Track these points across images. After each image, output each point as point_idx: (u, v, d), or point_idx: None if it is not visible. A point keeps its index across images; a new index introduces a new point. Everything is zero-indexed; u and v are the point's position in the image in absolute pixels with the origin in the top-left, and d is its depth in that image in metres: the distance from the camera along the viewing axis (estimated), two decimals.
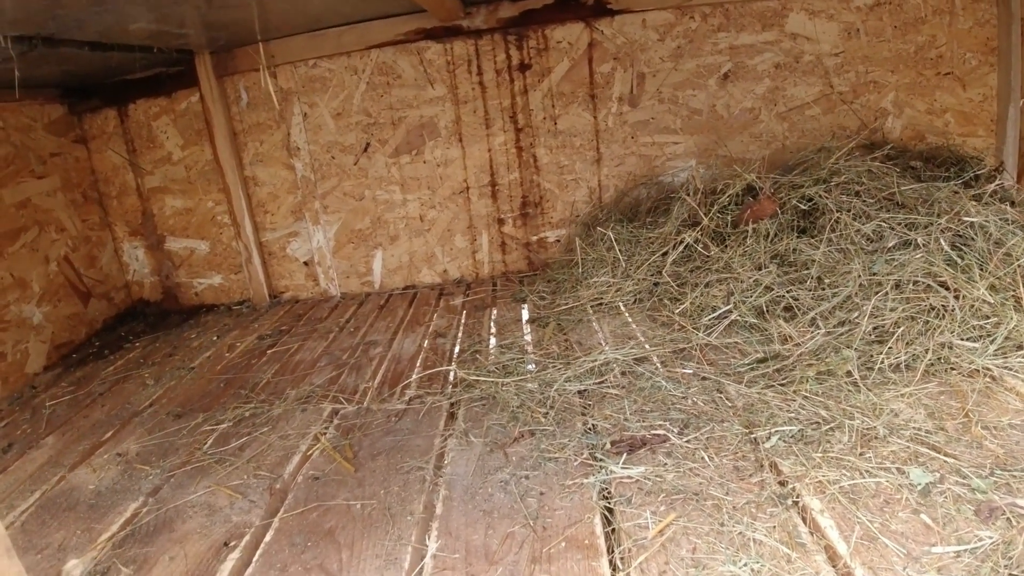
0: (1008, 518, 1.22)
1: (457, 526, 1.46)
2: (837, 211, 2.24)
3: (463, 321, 2.82)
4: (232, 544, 1.53)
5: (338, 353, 2.65)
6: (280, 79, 3.19)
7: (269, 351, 2.78)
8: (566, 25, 3.08)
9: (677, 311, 2.29)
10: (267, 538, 1.54)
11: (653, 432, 1.68)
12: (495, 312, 2.87)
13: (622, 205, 3.17)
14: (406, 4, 2.77)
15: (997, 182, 2.50)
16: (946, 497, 1.31)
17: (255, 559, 1.47)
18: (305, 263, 3.48)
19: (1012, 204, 2.48)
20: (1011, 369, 1.75)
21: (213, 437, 2.07)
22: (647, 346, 2.20)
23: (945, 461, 1.42)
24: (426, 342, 2.63)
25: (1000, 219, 2.09)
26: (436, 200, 3.32)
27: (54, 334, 3.06)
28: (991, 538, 1.17)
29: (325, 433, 1.98)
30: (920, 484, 1.36)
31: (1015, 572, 1.09)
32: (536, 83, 3.15)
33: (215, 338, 3.06)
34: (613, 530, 1.38)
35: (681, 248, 2.43)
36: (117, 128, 3.35)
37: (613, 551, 1.31)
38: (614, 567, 1.26)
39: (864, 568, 1.16)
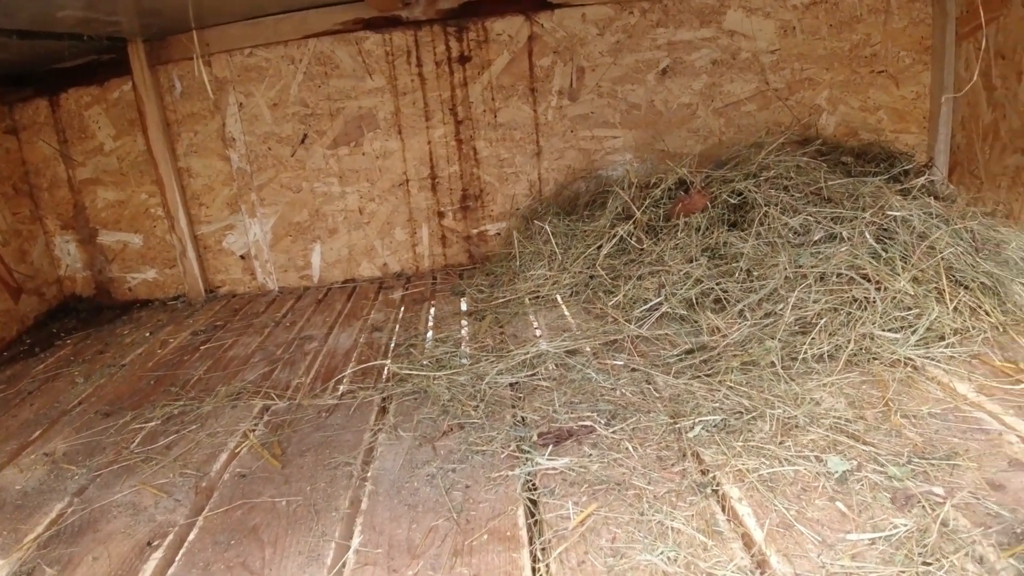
0: (924, 506, 1.27)
1: (381, 521, 1.47)
2: (765, 205, 2.31)
3: (401, 315, 2.82)
4: (155, 543, 1.52)
5: (272, 348, 2.62)
6: (215, 68, 3.13)
7: (202, 347, 2.73)
8: (506, 18, 3.09)
9: (611, 303, 2.33)
10: (191, 537, 1.52)
11: (580, 423, 1.72)
12: (433, 306, 2.88)
13: (561, 198, 3.21)
14: None
15: (926, 177, 2.60)
16: (863, 485, 1.36)
17: (178, 558, 1.45)
18: (242, 257, 3.42)
19: (940, 199, 2.59)
20: (933, 359, 1.83)
21: (141, 435, 2.03)
22: (581, 338, 2.24)
23: (864, 449, 1.47)
24: (362, 336, 2.63)
25: (924, 213, 2.18)
26: (375, 193, 3.31)
27: None
28: (906, 526, 1.21)
29: (254, 430, 1.97)
30: (837, 472, 1.40)
31: (928, 560, 1.13)
32: (476, 75, 3.16)
33: (148, 334, 3.00)
34: (536, 521, 1.40)
35: (615, 242, 2.48)
36: (48, 118, 3.25)
37: (535, 542, 1.34)
38: (535, 558, 1.29)
39: (779, 555, 1.20)
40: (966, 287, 1.98)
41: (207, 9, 2.73)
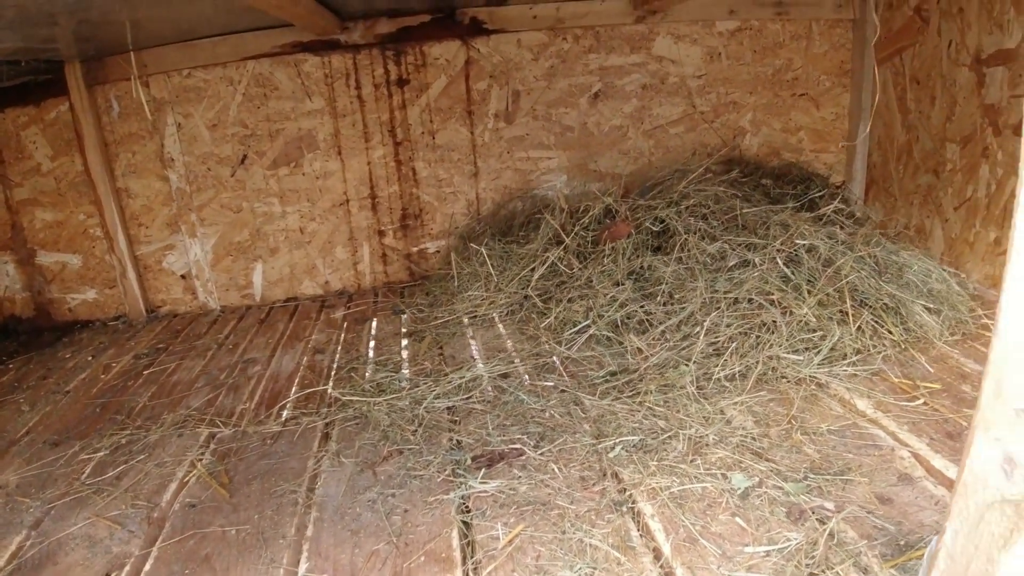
0: (818, 519, 1.47)
1: (326, 546, 1.61)
2: (685, 233, 2.52)
3: (343, 336, 2.94)
4: (113, 575, 1.63)
5: (216, 372, 2.72)
6: (153, 89, 3.18)
7: (145, 372, 2.80)
8: (443, 43, 3.23)
9: (543, 325, 2.52)
10: (146, 568, 1.63)
11: (511, 446, 1.89)
12: (375, 325, 3.01)
13: (499, 217, 3.38)
14: (279, 19, 2.83)
15: (838, 200, 2.84)
16: (763, 500, 1.56)
17: None
18: (183, 276, 3.49)
19: (854, 219, 2.84)
20: (836, 377, 2.06)
21: (91, 466, 2.11)
22: (515, 359, 2.41)
23: (766, 466, 1.67)
24: (305, 359, 2.74)
25: (830, 240, 2.42)
26: (316, 212, 3.41)
27: None
28: (797, 539, 1.41)
29: (201, 459, 2.07)
30: (740, 488, 1.60)
31: (815, 571, 1.31)
32: (414, 98, 3.29)
33: (90, 358, 3.05)
34: (469, 542, 1.57)
35: (546, 266, 2.66)
36: None
37: (467, 562, 1.51)
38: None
39: (684, 568, 1.39)
40: (870, 307, 2.23)
41: (144, 31, 2.78)
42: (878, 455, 1.70)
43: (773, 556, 1.39)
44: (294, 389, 2.47)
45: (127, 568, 1.63)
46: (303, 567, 1.55)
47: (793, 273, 2.31)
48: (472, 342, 2.65)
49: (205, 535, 1.72)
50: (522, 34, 3.26)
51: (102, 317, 3.52)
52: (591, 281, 2.54)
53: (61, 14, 2.19)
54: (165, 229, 3.39)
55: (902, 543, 1.38)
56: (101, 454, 2.18)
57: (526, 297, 2.70)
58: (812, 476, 1.62)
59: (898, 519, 1.46)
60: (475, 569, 1.47)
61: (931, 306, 2.24)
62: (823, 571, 1.32)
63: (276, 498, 1.83)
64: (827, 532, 1.40)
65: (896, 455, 1.70)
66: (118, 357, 3.01)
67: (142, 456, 2.14)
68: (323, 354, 2.77)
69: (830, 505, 1.52)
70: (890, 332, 2.16)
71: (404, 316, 3.02)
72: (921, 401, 1.92)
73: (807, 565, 1.33)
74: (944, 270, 2.40)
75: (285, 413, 2.30)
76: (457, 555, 1.52)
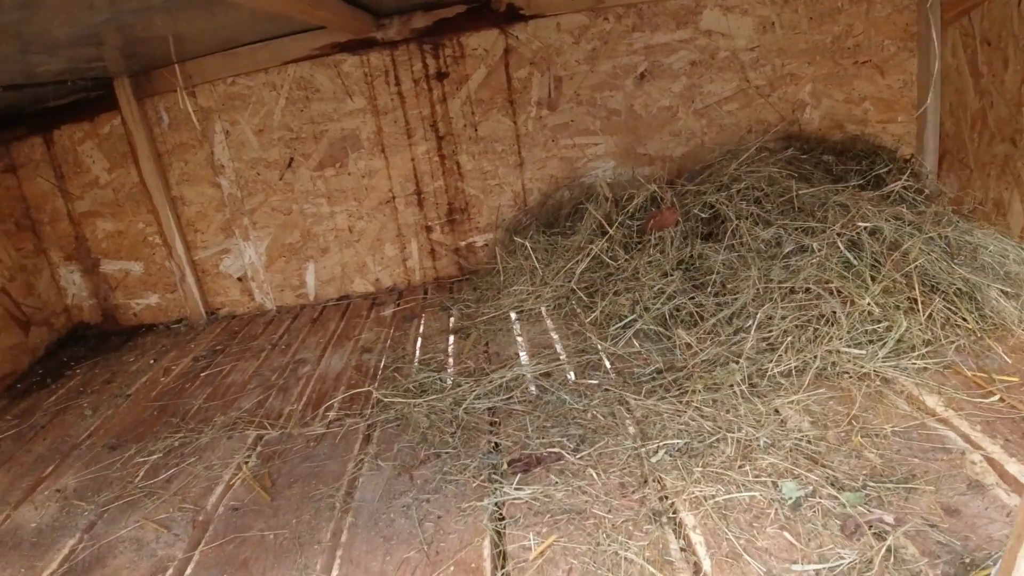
0: (876, 533, 1.33)
1: (359, 553, 1.59)
2: (736, 219, 2.38)
3: (391, 334, 2.94)
4: None
5: (268, 374, 2.76)
6: (200, 98, 3.24)
7: (202, 374, 2.88)
8: (480, 32, 3.17)
9: (588, 320, 2.43)
10: (188, 571, 1.66)
11: (549, 450, 1.83)
12: (422, 323, 3.00)
13: (546, 208, 3.30)
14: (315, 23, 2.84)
15: (907, 175, 2.63)
16: (815, 512, 1.43)
17: None
18: (239, 279, 3.56)
19: (925, 195, 2.63)
20: (904, 371, 1.88)
21: (144, 469, 2.17)
22: (561, 356, 2.35)
23: (821, 473, 1.53)
24: (353, 358, 2.75)
25: (896, 221, 2.22)
26: (363, 211, 3.42)
27: None
28: (851, 557, 1.29)
29: (247, 462, 2.10)
30: (791, 498, 1.48)
31: None
32: (454, 91, 3.24)
33: (152, 361, 3.15)
34: (500, 552, 1.52)
35: (589, 259, 2.57)
36: (44, 155, 3.39)
37: (497, 573, 1.46)
38: None
39: None
40: (942, 293, 2.03)
41: (187, 43, 2.84)
42: (947, 459, 1.54)
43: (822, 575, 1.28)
44: (340, 390, 2.48)
45: (170, 571, 1.66)
46: (335, 574, 1.54)
47: (855, 259, 2.14)
48: (518, 338, 2.60)
49: (245, 539, 1.73)
50: (561, 17, 3.16)
51: (165, 320, 3.64)
52: (637, 273, 2.44)
53: (107, 32, 2.24)
54: (220, 234, 3.47)
55: (967, 560, 1.24)
56: (155, 457, 2.24)
57: (572, 291, 2.62)
58: (872, 484, 1.48)
59: (965, 533, 1.31)
60: None
61: (1009, 290, 2.02)
62: None
63: (315, 502, 1.83)
64: (884, 549, 1.27)
65: (967, 459, 1.53)
66: (178, 360, 3.10)
67: (192, 459, 2.18)
68: (371, 353, 2.77)
69: (889, 518, 1.38)
70: (964, 320, 1.97)
71: (451, 312, 2.99)
72: (997, 397, 1.73)
73: None
74: (1022, 248, 2.17)
75: (331, 414, 2.31)
76: (487, 565, 1.48)
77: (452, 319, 2.93)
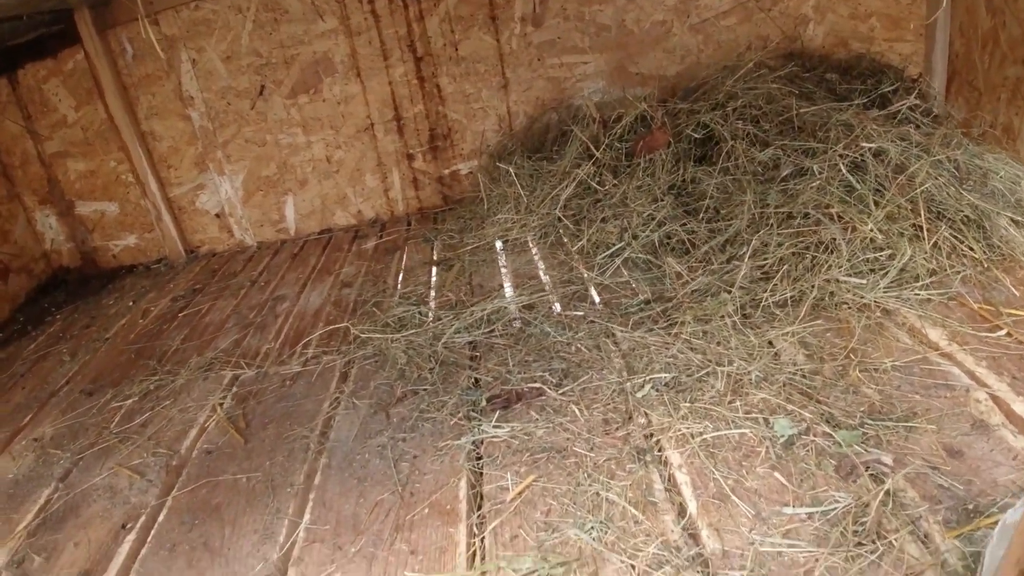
0: (874, 475, 1.25)
1: (332, 496, 1.53)
2: (732, 139, 2.23)
3: (372, 267, 2.83)
4: (128, 526, 1.61)
5: (246, 312, 2.67)
6: (163, 26, 3.04)
7: (180, 314, 2.79)
8: None
9: (574, 249, 2.32)
10: (160, 518, 1.61)
11: (530, 386, 1.74)
12: (405, 255, 2.89)
13: (532, 132, 3.14)
14: None
15: (914, 95, 2.45)
16: (809, 451, 1.34)
17: (148, 540, 1.55)
18: (216, 215, 3.44)
19: (933, 117, 2.45)
20: (907, 302, 1.76)
21: (119, 414, 2.12)
22: (546, 287, 2.24)
23: (816, 409, 1.44)
24: (332, 294, 2.65)
25: (902, 142, 2.06)
26: (341, 140, 3.26)
27: None
28: (846, 500, 1.20)
29: (222, 403, 2.03)
30: (783, 436, 1.39)
31: (863, 541, 1.11)
32: (432, 8, 3.03)
33: (131, 304, 3.06)
34: (477, 493, 1.45)
35: (575, 185, 2.43)
36: (10, 96, 3.22)
37: (472, 515, 1.39)
38: (470, 532, 1.35)
39: (709, 529, 1.22)
40: (949, 220, 1.88)
41: None
42: (950, 397, 1.44)
43: (816, 519, 1.19)
44: (318, 327, 2.39)
45: (142, 519, 1.62)
46: (307, 518, 1.48)
47: (858, 182, 1.98)
48: (502, 269, 2.49)
49: (218, 483, 1.68)
50: None
51: (145, 261, 3.54)
52: (626, 198, 2.30)
53: None
54: (193, 169, 3.33)
55: (970, 507, 1.15)
56: (131, 401, 2.18)
57: (558, 219, 2.49)
58: (870, 422, 1.38)
59: (968, 476, 1.22)
60: (480, 523, 1.36)
61: (1019, 219, 1.87)
62: (873, 541, 1.11)
63: (289, 443, 1.77)
64: (882, 492, 1.19)
65: (971, 397, 1.43)
66: (157, 301, 3.02)
67: (168, 402, 2.12)
68: (350, 288, 2.67)
69: (888, 459, 1.28)
70: (971, 249, 1.83)
71: (434, 244, 2.88)
72: (1004, 332, 1.61)
73: (855, 533, 1.13)
74: None
75: (308, 351, 2.23)
76: (463, 507, 1.41)
77: (435, 251, 2.82)
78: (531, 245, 2.59)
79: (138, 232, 3.48)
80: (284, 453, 1.73)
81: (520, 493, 1.40)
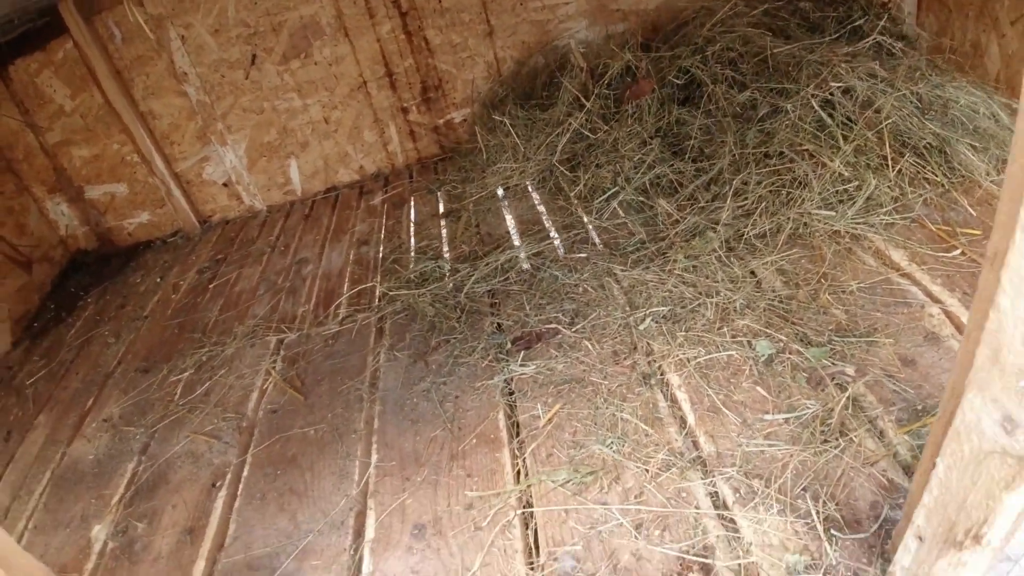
0: (839, 384, 1.56)
1: (391, 437, 1.88)
2: (712, 83, 2.47)
3: (384, 223, 3.11)
4: (218, 484, 1.94)
5: (273, 277, 2.97)
6: (148, 6, 3.20)
7: (211, 286, 3.08)
8: None
9: (572, 194, 2.60)
10: (245, 473, 1.95)
11: (547, 326, 2.07)
12: (412, 208, 3.16)
13: (521, 77, 3.34)
14: None
15: (885, 19, 2.63)
16: (785, 367, 1.66)
17: (239, 493, 1.89)
18: (224, 184, 3.68)
19: (904, 40, 2.66)
20: (873, 227, 2.03)
21: (180, 387, 2.42)
22: (550, 232, 2.53)
23: (791, 330, 1.75)
24: (352, 253, 2.94)
25: (869, 79, 2.29)
26: (336, 100, 3.47)
27: (10, 310, 3.31)
28: (815, 407, 1.53)
29: (275, 367, 2.35)
30: (764, 356, 1.71)
31: (829, 439, 1.44)
32: None
33: (159, 279, 3.35)
34: (514, 422, 1.80)
35: (568, 134, 2.68)
36: (4, 92, 3.39)
37: (512, 441, 1.74)
38: (513, 454, 1.70)
39: (706, 436, 1.56)
40: (912, 148, 2.14)
41: None
42: (907, 313, 1.75)
43: (791, 423, 1.53)
44: (346, 287, 2.69)
45: (228, 476, 1.95)
46: (374, 457, 1.83)
47: (828, 118, 2.23)
48: (507, 216, 2.77)
49: (289, 437, 2.01)
50: None
51: (160, 235, 3.80)
52: (617, 144, 2.56)
53: None
54: (196, 143, 3.55)
55: (919, 408, 1.48)
56: (187, 374, 2.49)
57: (554, 165, 2.76)
58: (836, 339, 1.69)
59: (919, 382, 1.54)
60: (520, 447, 1.70)
61: (977, 144, 2.12)
62: (837, 438, 1.45)
63: (344, 396, 2.10)
64: (845, 398, 1.52)
65: (925, 313, 1.73)
66: (183, 274, 3.30)
67: (223, 370, 2.44)
68: (368, 245, 2.96)
69: (851, 370, 1.60)
70: (933, 174, 2.11)
71: (438, 194, 3.14)
72: (959, 251, 1.90)
73: (822, 432, 1.47)
74: (992, 100, 2.24)
75: (341, 311, 2.53)
76: (504, 435, 1.75)
77: (440, 202, 3.09)
78: (531, 191, 2.86)
79: (150, 208, 3.73)
80: (341, 405, 2.07)
81: (550, 419, 1.75)
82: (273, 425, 2.09)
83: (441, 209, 3.03)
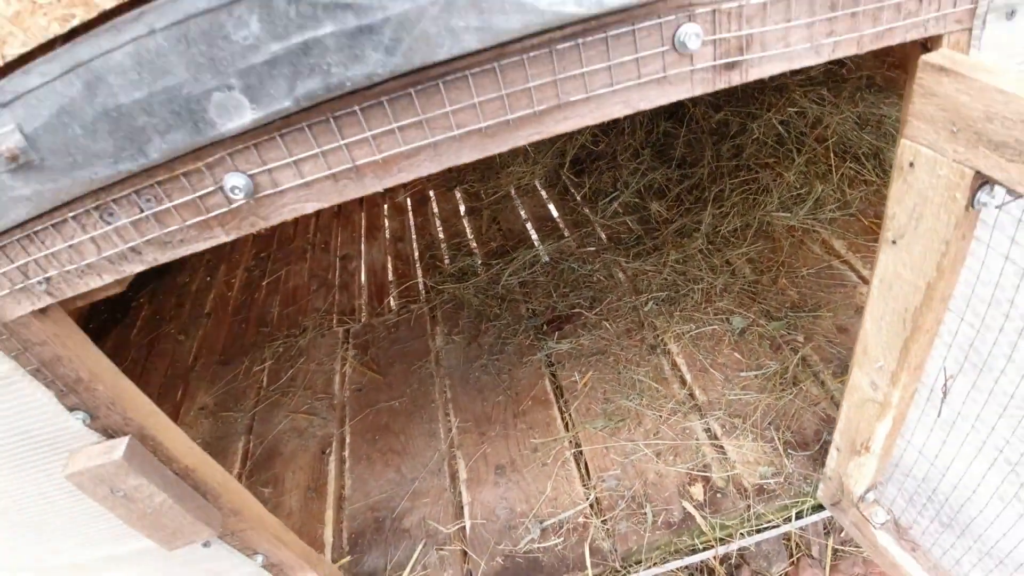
0: (791, 349, 2.31)
1: (464, 403, 2.59)
2: (692, 105, 3.16)
3: (412, 221, 3.77)
4: (327, 451, 2.63)
5: (321, 273, 3.62)
6: None
7: (263, 283, 3.72)
8: None
9: (579, 196, 3.29)
10: (347, 440, 2.64)
11: (572, 311, 2.79)
12: (435, 204, 3.82)
13: None
14: None
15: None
16: (754, 336, 2.41)
17: (346, 456, 2.59)
18: None
19: (846, 65, 3.37)
20: (821, 222, 2.78)
21: (265, 375, 3.07)
22: (562, 230, 3.23)
23: (758, 307, 2.51)
24: (390, 249, 3.61)
25: (819, 105, 3.01)
26: None
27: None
28: (776, 366, 2.29)
29: (348, 353, 3.04)
30: (738, 328, 2.46)
31: (786, 388, 2.19)
32: None
33: (208, 278, 3.96)
34: (557, 387, 2.53)
35: (576, 149, 3.36)
36: None
37: (559, 401, 2.47)
38: (561, 411, 2.43)
39: (700, 389, 2.31)
40: (852, 156, 2.88)
41: None
42: (843, 292, 2.51)
43: (759, 378, 2.29)
44: (391, 280, 3.37)
45: (334, 444, 2.63)
46: (453, 420, 2.55)
47: (786, 133, 2.95)
48: (522, 212, 3.45)
49: (378, 410, 2.70)
50: None
51: None
52: (615, 153, 3.25)
53: None
54: None
55: (849, 362, 2.24)
56: (268, 364, 3.12)
57: (561, 165, 3.43)
58: (791, 314, 2.46)
59: (850, 345, 2.31)
60: (565, 404, 2.44)
61: None
62: (791, 386, 2.22)
63: (416, 374, 2.79)
64: (797, 359, 2.28)
65: (857, 291, 2.50)
66: (232, 272, 3.93)
67: (302, 359, 3.09)
68: (403, 242, 3.62)
69: (801, 338, 2.38)
70: (869, 176, 2.85)
71: (456, 190, 3.80)
72: None
73: (780, 383, 2.24)
74: None
75: (394, 303, 3.21)
76: (552, 397, 2.48)
77: (460, 201, 3.75)
78: (541, 190, 3.55)
79: None
80: (416, 381, 2.77)
81: (585, 384, 2.48)
82: (361, 401, 2.78)
83: (462, 208, 3.70)
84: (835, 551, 2.08)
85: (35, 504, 1.39)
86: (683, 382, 2.37)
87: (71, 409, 1.23)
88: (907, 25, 0.99)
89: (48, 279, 1.01)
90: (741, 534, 1.93)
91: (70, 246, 0.97)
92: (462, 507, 2.23)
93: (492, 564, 2.05)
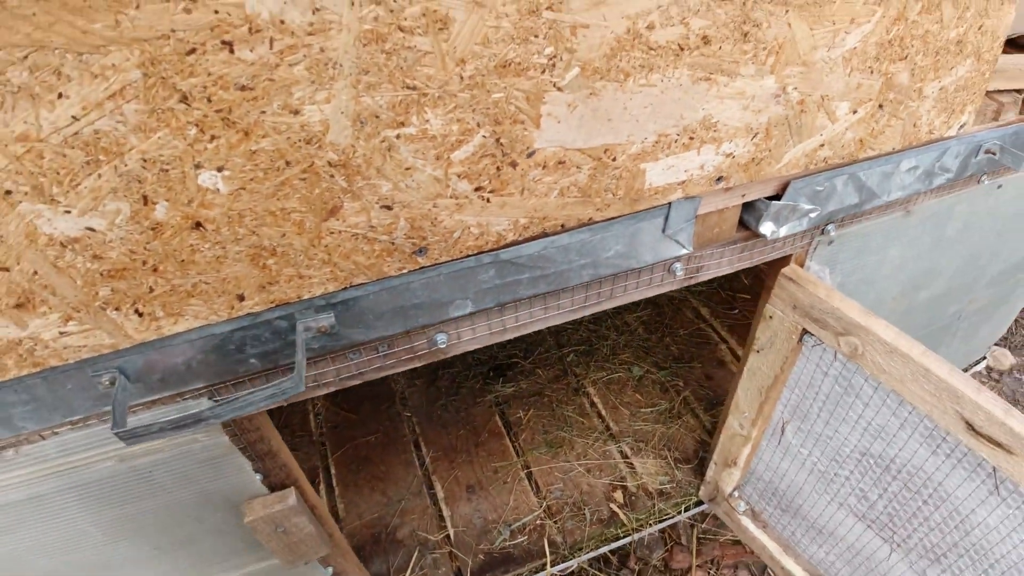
0: (675, 391, 3.36)
1: (431, 436, 3.40)
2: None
3: None
4: (316, 481, 3.36)
5: None
6: None
7: None
8: None
9: None
10: (332, 470, 3.38)
11: (511, 359, 3.67)
12: None
13: None
14: None
15: None
16: (650, 381, 3.42)
17: (335, 484, 3.33)
18: None
19: None
20: (695, 294, 3.85)
21: None
22: None
23: (651, 359, 3.53)
24: None
25: None
26: None
27: None
28: (665, 404, 3.32)
29: (318, 400, 3.74)
30: (638, 375, 3.46)
31: (671, 417, 3.24)
32: None
33: None
34: (506, 422, 3.40)
35: None
36: None
37: (509, 433, 3.34)
38: (512, 440, 3.31)
39: (613, 422, 3.27)
40: None
41: None
42: (708, 348, 3.58)
43: (654, 413, 3.29)
44: None
45: (321, 475, 3.36)
46: (426, 451, 3.35)
47: None
48: None
49: (356, 444, 3.45)
50: None
51: None
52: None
53: None
54: None
55: (716, 402, 3.30)
56: None
57: None
58: (674, 364, 3.49)
59: (715, 389, 3.36)
60: (514, 435, 3.32)
61: None
62: (676, 418, 3.23)
63: (385, 412, 3.56)
64: (680, 399, 3.30)
65: (719, 348, 3.58)
66: None
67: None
68: None
69: (681, 383, 3.40)
70: None
71: None
72: (736, 310, 3.78)
73: (669, 416, 3.24)
74: None
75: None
76: (503, 430, 3.35)
77: None
78: None
79: None
80: (387, 419, 3.54)
81: (528, 419, 3.37)
82: (340, 437, 3.51)
83: None
84: (699, 539, 3.10)
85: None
86: (600, 416, 3.33)
87: (255, 472, 1.91)
88: (774, 250, 1.96)
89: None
90: (650, 523, 2.90)
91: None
92: (444, 519, 3.04)
93: (476, 560, 2.90)
